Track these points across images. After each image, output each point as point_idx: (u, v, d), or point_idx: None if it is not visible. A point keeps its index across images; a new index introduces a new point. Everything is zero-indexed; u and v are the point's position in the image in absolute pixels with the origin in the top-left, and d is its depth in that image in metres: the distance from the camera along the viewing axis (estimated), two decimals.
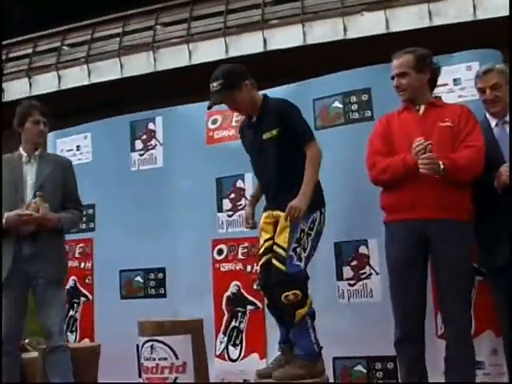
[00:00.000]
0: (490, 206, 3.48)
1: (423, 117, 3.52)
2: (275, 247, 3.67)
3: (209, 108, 3.96)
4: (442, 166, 3.28)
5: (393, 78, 3.60)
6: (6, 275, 3.88)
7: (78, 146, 5.52)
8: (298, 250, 3.65)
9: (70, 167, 4.26)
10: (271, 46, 11.80)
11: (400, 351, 3.55)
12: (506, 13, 10.39)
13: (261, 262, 3.81)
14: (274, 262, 3.65)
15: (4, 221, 3.89)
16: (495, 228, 3.50)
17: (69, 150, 5.55)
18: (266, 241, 3.79)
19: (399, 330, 3.48)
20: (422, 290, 3.47)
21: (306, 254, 3.69)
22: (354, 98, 4.31)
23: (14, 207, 3.92)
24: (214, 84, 3.79)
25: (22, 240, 3.93)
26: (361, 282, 4.17)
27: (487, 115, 3.68)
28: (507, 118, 3.60)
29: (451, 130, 3.43)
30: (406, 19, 11.33)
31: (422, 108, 3.54)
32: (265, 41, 12.02)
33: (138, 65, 12.83)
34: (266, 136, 3.76)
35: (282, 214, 3.68)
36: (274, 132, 3.73)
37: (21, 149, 4.15)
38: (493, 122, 3.65)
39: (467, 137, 3.41)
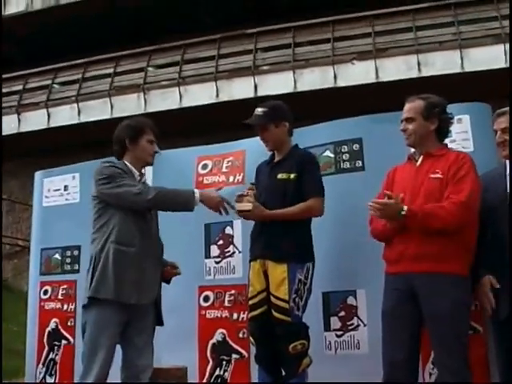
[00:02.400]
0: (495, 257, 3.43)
1: (419, 168, 3.52)
2: (275, 300, 3.71)
3: (246, 125, 4.00)
4: (403, 212, 3.27)
5: (402, 121, 3.60)
6: None
7: (65, 186, 5.49)
8: (296, 300, 3.71)
9: None
10: (262, 92, 11.89)
11: None
12: (493, 66, 10.61)
13: (254, 314, 3.81)
14: (277, 314, 3.68)
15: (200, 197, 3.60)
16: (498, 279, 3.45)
17: (56, 190, 5.51)
18: (259, 292, 3.79)
19: (385, 379, 3.42)
20: (410, 342, 3.38)
21: (303, 303, 3.76)
22: (345, 148, 4.32)
23: None
24: (259, 110, 3.97)
25: None
26: (348, 334, 4.13)
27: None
28: None
29: (440, 182, 3.40)
30: (394, 69, 11.50)
31: (420, 159, 3.54)
32: (255, 86, 12.12)
33: (129, 105, 12.86)
34: (280, 176, 3.86)
35: (275, 265, 3.71)
36: (292, 176, 3.84)
37: (129, 164, 3.77)
38: (508, 168, 3.56)
39: (454, 187, 3.35)
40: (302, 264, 3.77)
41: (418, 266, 3.33)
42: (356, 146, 4.29)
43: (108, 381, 3.57)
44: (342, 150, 4.33)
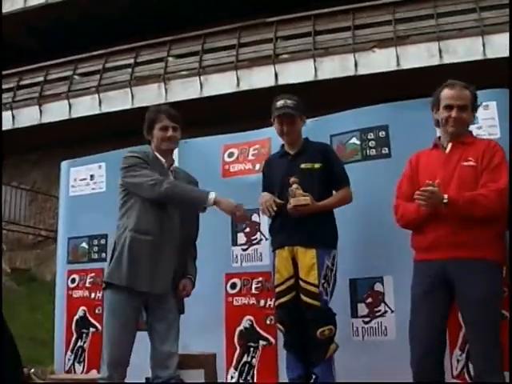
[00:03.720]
0: None
1: (449, 156, 3.50)
2: (304, 285, 3.74)
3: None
4: (445, 200, 3.27)
5: (447, 107, 3.53)
6: None
7: (91, 176, 5.53)
8: (325, 285, 3.77)
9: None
10: (282, 81, 11.87)
11: None
12: None
13: (282, 300, 3.85)
14: (306, 299, 3.73)
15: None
16: None
17: (82, 179, 5.56)
18: (286, 279, 3.83)
19: (415, 369, 3.41)
20: (442, 326, 3.39)
21: (330, 289, 3.83)
22: (371, 135, 4.33)
23: None
24: (289, 102, 4.00)
25: None
26: (375, 320, 4.15)
27: None
28: None
29: (473, 170, 3.39)
30: (415, 57, 11.41)
31: (449, 146, 3.52)
32: (276, 75, 12.09)
33: (149, 95, 12.89)
34: (304, 166, 3.92)
35: (305, 251, 3.74)
36: (316, 165, 3.92)
37: (157, 153, 3.83)
38: None
39: (490, 175, 3.36)
40: (329, 250, 3.84)
41: (454, 252, 3.32)
42: (382, 133, 4.30)
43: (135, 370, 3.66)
44: (369, 137, 4.34)
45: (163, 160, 3.82)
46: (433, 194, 3.28)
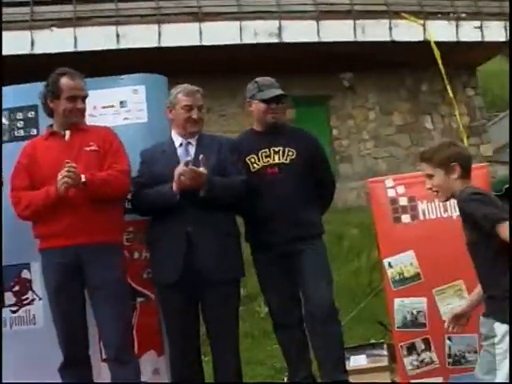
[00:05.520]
0: None
1: (69, 142, 3.52)
2: None
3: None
4: (83, 179, 3.32)
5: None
6: None
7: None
8: None
9: None
10: None
11: (65, 376, 3.53)
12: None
13: None
14: None
15: None
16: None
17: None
18: None
19: (64, 356, 3.48)
20: (80, 315, 3.48)
21: None
22: (19, 115, 4.09)
23: None
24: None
25: None
26: (23, 308, 3.94)
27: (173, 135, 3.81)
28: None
29: (97, 154, 3.50)
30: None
31: (68, 134, 3.54)
32: None
33: None
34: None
35: None
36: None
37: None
38: (177, 142, 3.78)
39: (112, 158, 3.50)
40: None
41: (86, 238, 3.39)
42: (31, 113, 4.08)
43: None
44: (17, 117, 4.09)
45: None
46: (73, 173, 3.28)
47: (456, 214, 3.82)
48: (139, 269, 3.94)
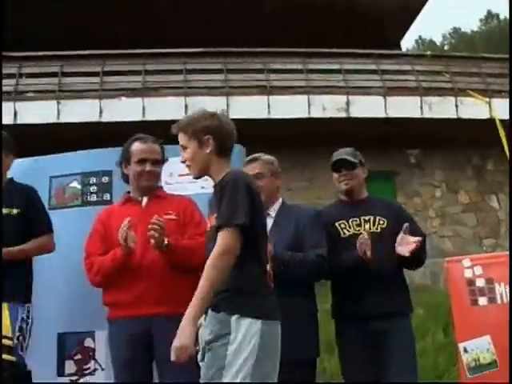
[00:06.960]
0: None
1: (146, 209, 3.48)
2: None
3: None
4: (165, 243, 3.23)
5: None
6: None
7: None
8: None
9: None
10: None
11: None
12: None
13: None
14: None
15: None
16: None
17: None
18: None
19: None
20: None
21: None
22: (93, 180, 4.09)
23: None
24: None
25: None
26: (84, 378, 3.83)
27: None
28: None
29: (176, 224, 3.41)
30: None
31: (145, 200, 3.50)
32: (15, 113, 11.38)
33: None
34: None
35: None
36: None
37: None
38: None
39: (194, 230, 3.41)
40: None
41: (159, 308, 3.27)
42: (105, 179, 4.08)
43: None
44: (90, 182, 4.10)
45: None
46: (160, 228, 3.22)
47: None
48: None
